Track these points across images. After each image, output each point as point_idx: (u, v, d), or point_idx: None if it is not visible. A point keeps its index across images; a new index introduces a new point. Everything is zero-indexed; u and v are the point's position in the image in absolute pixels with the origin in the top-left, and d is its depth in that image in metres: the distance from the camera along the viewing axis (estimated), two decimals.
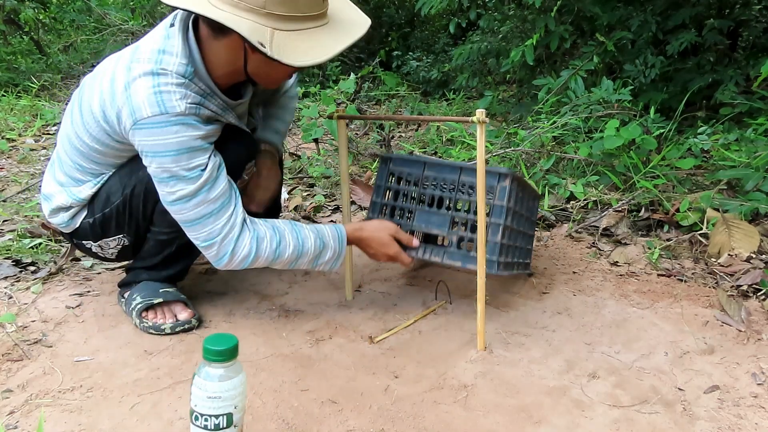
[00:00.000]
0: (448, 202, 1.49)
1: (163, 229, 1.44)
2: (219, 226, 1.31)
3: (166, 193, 1.29)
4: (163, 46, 1.27)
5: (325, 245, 1.42)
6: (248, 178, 1.61)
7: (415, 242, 1.48)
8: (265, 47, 1.17)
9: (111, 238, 1.48)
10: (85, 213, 1.46)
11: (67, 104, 1.52)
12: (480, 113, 1.28)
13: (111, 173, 1.42)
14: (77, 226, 1.47)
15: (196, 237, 1.33)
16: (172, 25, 1.31)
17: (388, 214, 1.54)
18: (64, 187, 1.45)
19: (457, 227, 1.46)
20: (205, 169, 1.27)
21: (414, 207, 1.51)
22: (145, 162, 1.29)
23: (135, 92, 1.24)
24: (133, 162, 1.38)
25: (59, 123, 3.64)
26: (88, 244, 1.50)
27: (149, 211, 1.42)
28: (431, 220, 1.48)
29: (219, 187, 1.30)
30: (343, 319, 1.55)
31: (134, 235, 1.47)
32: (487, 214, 1.41)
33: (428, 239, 1.63)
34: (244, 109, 1.49)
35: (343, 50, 1.27)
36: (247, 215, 1.36)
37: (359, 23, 1.34)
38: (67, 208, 1.45)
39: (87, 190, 1.43)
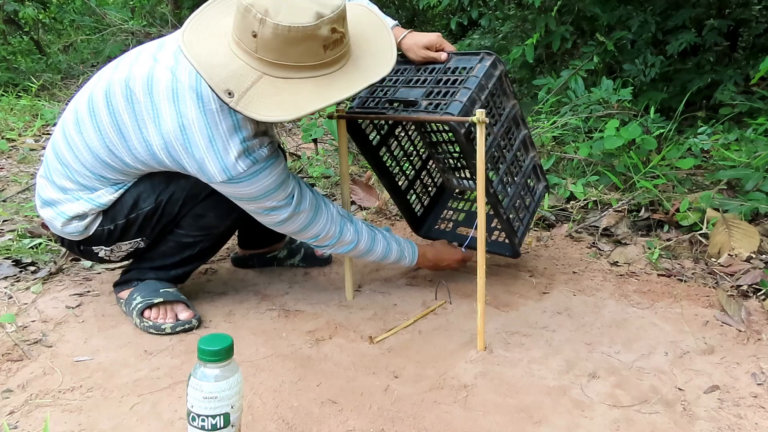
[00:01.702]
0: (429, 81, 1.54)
1: (191, 232, 1.46)
2: (321, 224, 1.46)
3: (268, 220, 1.42)
4: None
5: (403, 248, 1.62)
6: None
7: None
8: (232, 97, 1.16)
9: (126, 242, 1.47)
10: (100, 220, 1.42)
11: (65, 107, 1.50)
12: (480, 113, 1.28)
13: (134, 180, 1.41)
14: (91, 233, 1.43)
15: (307, 238, 1.48)
16: None
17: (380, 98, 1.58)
18: (71, 193, 1.40)
19: (432, 95, 1.47)
20: (293, 195, 1.40)
21: (399, 83, 1.57)
22: (238, 203, 1.39)
23: (225, 152, 1.28)
24: (168, 171, 1.38)
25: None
26: (98, 249, 1.48)
27: (181, 216, 1.44)
28: (411, 93, 1.53)
29: (307, 198, 1.43)
30: (343, 319, 1.55)
31: (154, 239, 1.48)
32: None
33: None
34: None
35: (315, 111, 1.23)
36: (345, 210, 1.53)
37: (372, 71, 1.27)
38: (83, 216, 1.41)
39: (108, 195, 1.40)
